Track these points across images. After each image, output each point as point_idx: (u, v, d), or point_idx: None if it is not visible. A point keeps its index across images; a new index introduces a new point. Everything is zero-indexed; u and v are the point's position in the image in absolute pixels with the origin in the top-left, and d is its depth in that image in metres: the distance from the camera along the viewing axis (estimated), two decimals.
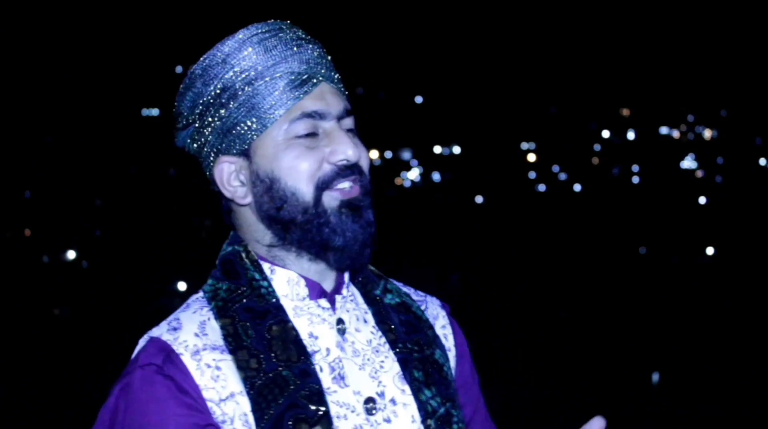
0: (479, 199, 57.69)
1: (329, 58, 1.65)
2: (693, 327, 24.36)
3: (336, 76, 1.65)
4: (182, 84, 1.64)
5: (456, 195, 57.24)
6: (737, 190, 58.28)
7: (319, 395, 1.50)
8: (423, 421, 1.58)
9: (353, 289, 1.68)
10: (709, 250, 42.36)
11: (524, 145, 64.74)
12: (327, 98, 1.60)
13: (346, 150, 1.57)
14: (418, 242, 39.97)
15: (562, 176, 63.32)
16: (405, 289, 1.78)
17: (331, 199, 1.56)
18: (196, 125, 1.63)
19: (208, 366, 1.48)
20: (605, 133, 66.69)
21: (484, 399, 1.82)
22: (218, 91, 1.59)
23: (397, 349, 1.63)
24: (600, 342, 22.71)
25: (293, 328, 1.55)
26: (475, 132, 65.57)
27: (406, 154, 62.11)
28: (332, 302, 1.62)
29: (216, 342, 1.51)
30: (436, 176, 61.97)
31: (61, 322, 27.87)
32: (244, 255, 1.61)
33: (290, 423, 1.46)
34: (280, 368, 1.50)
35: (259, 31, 1.61)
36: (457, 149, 64.16)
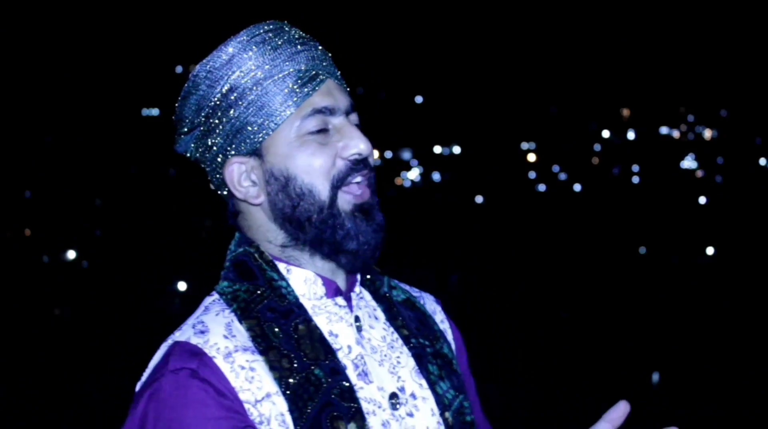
0: (479, 199, 57.71)
1: (330, 55, 1.67)
2: (693, 327, 24.36)
3: (338, 73, 1.67)
4: (184, 89, 1.64)
5: (456, 195, 57.27)
6: (737, 190, 58.29)
7: (350, 392, 1.51)
8: (441, 414, 1.61)
9: (361, 287, 1.70)
10: (709, 250, 42.35)
11: (524, 145, 64.77)
12: (334, 94, 1.61)
13: (359, 144, 1.59)
14: (418, 242, 39.95)
15: (562, 176, 63.35)
16: (402, 285, 1.80)
17: (344, 202, 1.58)
18: (202, 128, 1.63)
19: (242, 367, 1.48)
20: (605, 133, 66.72)
21: (478, 393, 1.86)
22: (225, 93, 1.59)
23: (411, 345, 1.66)
24: (600, 342, 22.71)
25: (317, 327, 1.57)
26: (475, 132, 65.60)
27: (406, 154, 62.15)
28: (348, 300, 1.64)
29: (245, 343, 1.51)
30: (436, 176, 62.00)
31: (61, 322, 27.86)
32: (257, 256, 1.61)
33: (327, 421, 1.47)
34: (312, 367, 1.51)
35: (262, 31, 1.61)
36: (457, 149, 64.20)
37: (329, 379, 1.51)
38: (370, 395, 1.55)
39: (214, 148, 1.63)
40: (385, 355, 1.62)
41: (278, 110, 1.57)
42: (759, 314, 24.25)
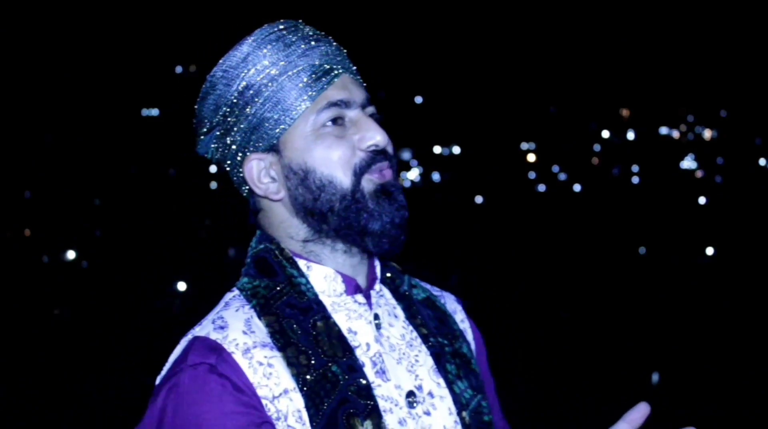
0: (479, 199, 57.69)
1: (345, 51, 1.69)
2: (693, 327, 24.36)
3: (354, 68, 1.69)
4: (201, 90, 1.66)
5: (456, 195, 57.24)
6: (737, 190, 58.25)
7: (367, 390, 1.52)
8: (458, 413, 1.62)
9: (381, 285, 1.72)
10: (709, 250, 42.34)
11: (524, 145, 64.72)
12: (349, 88, 1.63)
13: (375, 135, 1.60)
14: (418, 242, 39.91)
15: (562, 176, 63.30)
16: (423, 284, 1.82)
17: (368, 183, 1.59)
18: (221, 128, 1.65)
19: (260, 363, 1.50)
20: (605, 133, 66.67)
21: (497, 393, 1.88)
22: (241, 90, 1.61)
23: (430, 343, 1.67)
24: (600, 342, 22.71)
25: (335, 324, 1.58)
26: (475, 132, 65.55)
27: (406, 154, 62.13)
28: (367, 298, 1.65)
29: (264, 339, 1.53)
30: (435, 176, 61.98)
31: (61, 322, 27.85)
32: (278, 252, 1.63)
33: (343, 418, 1.48)
34: (329, 364, 1.52)
35: (276, 29, 1.64)
36: (457, 149, 64.17)
37: (346, 376, 1.52)
38: (387, 393, 1.56)
39: (233, 146, 1.64)
40: (404, 354, 1.63)
41: (294, 105, 1.59)
42: (759, 314, 24.25)
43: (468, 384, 1.67)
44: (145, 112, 55.96)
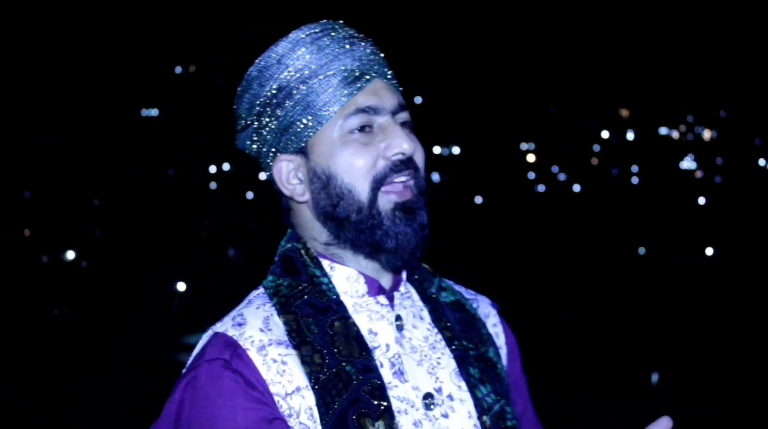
0: (479, 199, 57.69)
1: (382, 55, 1.68)
2: (693, 327, 24.36)
3: (390, 73, 1.68)
4: (239, 87, 1.67)
5: (456, 195, 57.22)
6: (737, 191, 58.27)
7: (380, 390, 1.52)
8: (479, 417, 1.61)
9: (409, 286, 1.71)
10: (709, 251, 42.35)
11: (524, 146, 64.72)
12: (380, 94, 1.62)
13: (402, 143, 1.59)
14: None
15: (562, 176, 63.30)
16: (457, 287, 1.82)
17: (385, 202, 1.58)
18: (255, 126, 1.66)
19: (274, 361, 1.51)
20: (605, 134, 66.66)
21: (531, 399, 1.85)
22: (274, 91, 1.61)
23: (453, 346, 1.66)
24: (600, 342, 22.72)
25: (354, 324, 1.58)
26: (474, 132, 65.55)
27: None
28: (390, 299, 1.65)
29: (280, 337, 1.54)
30: (435, 176, 61.97)
31: (61, 322, 27.87)
32: (303, 252, 1.64)
33: (354, 417, 1.49)
34: (343, 363, 1.53)
35: (312, 31, 1.64)
36: (456, 149, 64.16)
37: (360, 376, 1.52)
38: (403, 394, 1.56)
39: (265, 146, 1.65)
40: (425, 355, 1.63)
41: (323, 109, 1.59)
42: (759, 314, 24.25)
43: (491, 388, 1.65)
44: (144, 112, 55.97)
